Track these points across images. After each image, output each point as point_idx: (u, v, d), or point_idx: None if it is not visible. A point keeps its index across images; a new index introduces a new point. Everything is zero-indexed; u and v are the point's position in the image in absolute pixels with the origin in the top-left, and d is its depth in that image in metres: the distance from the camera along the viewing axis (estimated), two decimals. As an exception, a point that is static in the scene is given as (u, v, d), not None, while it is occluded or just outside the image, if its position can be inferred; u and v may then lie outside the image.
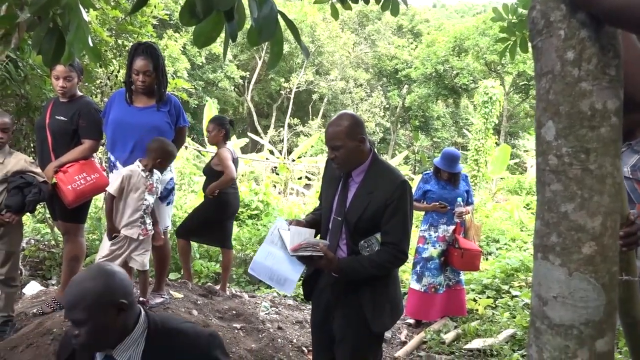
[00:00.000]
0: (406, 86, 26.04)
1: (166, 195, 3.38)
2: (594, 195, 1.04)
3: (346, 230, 2.26)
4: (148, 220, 3.14)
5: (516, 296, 5.00)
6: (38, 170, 3.20)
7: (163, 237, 3.41)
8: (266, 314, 4.19)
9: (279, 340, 3.58)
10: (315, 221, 2.45)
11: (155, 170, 3.15)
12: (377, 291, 2.25)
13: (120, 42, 5.27)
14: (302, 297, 5.15)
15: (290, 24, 1.49)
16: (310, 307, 4.76)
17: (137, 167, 3.07)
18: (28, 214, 3.78)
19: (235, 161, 4.19)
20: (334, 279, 2.28)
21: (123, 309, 1.52)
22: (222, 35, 1.60)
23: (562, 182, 1.06)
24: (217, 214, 4.24)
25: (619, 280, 1.13)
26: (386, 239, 2.19)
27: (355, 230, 2.23)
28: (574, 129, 1.05)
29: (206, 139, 4.11)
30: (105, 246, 3.11)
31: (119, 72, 5.35)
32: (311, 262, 2.21)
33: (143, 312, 1.63)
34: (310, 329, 4.06)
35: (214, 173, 4.18)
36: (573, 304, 1.05)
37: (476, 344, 4.02)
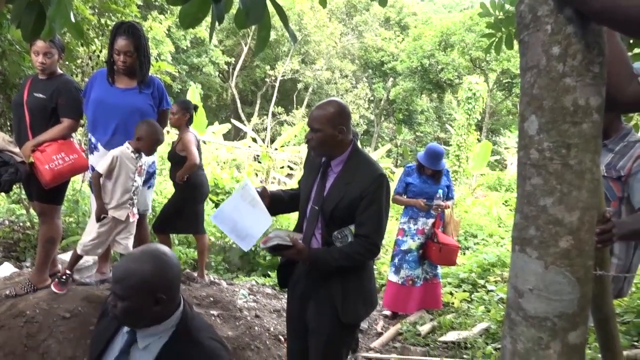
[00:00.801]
0: (391, 79, 26.06)
1: (147, 179, 3.33)
2: (573, 190, 1.06)
3: (322, 219, 2.26)
4: (135, 203, 3.12)
5: (491, 291, 5.08)
6: (16, 149, 3.12)
7: (142, 221, 3.38)
8: (244, 302, 4.18)
9: (256, 328, 3.58)
10: (280, 197, 2.45)
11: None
12: (349, 282, 2.25)
13: (103, 21, 5.16)
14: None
15: (278, 8, 1.48)
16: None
17: (126, 148, 3.03)
18: (3, 194, 3.70)
19: (198, 145, 4.13)
20: (308, 269, 2.29)
21: (160, 303, 1.53)
22: (209, 19, 1.57)
23: (542, 176, 1.08)
24: (189, 199, 4.19)
25: (593, 275, 1.15)
26: (359, 231, 2.19)
27: (330, 220, 2.23)
28: (556, 124, 1.06)
29: (169, 121, 4.01)
30: (93, 229, 3.06)
31: (101, 51, 5.24)
32: (281, 252, 2.21)
33: (181, 309, 1.62)
34: (287, 317, 4.09)
35: (178, 159, 4.09)
36: (548, 296, 1.07)
37: (451, 336, 4.08)
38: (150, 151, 3.10)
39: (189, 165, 3.97)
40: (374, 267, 4.54)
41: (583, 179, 1.06)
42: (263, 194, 2.33)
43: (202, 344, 1.60)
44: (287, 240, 2.14)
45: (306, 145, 2.33)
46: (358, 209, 2.18)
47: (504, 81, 23.30)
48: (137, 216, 3.13)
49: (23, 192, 4.26)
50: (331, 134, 2.19)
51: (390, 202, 2.39)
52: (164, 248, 1.64)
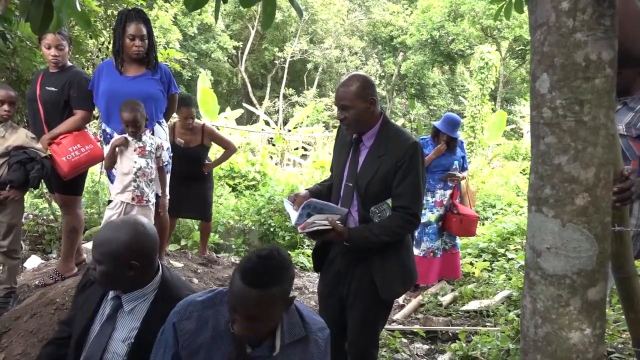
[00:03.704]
0: (401, 53, 25.71)
1: (165, 165, 3.37)
2: (588, 147, 1.05)
3: (357, 195, 2.24)
4: (144, 187, 3.07)
5: (512, 259, 5.07)
6: (39, 146, 3.18)
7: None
8: (266, 281, 4.24)
9: (279, 305, 3.63)
10: (319, 192, 2.43)
11: (148, 134, 3.09)
12: (387, 259, 2.24)
13: (109, 12, 5.17)
14: (301, 264, 5.23)
15: (281, -17, 1.47)
16: (310, 274, 4.83)
17: (122, 132, 3.07)
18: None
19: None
20: (345, 249, 2.27)
21: (133, 268, 1.64)
22: (214, 2, 1.57)
23: (556, 134, 1.06)
24: (211, 186, 4.28)
25: (611, 233, 1.15)
26: (397, 203, 2.16)
27: (366, 195, 2.21)
28: (568, 81, 1.05)
29: (186, 125, 3.98)
30: (105, 217, 3.11)
31: (109, 43, 5.26)
32: (321, 236, 2.20)
33: (160, 273, 1.75)
34: (309, 295, 4.14)
35: (203, 152, 4.12)
36: (566, 254, 1.07)
37: (473, 305, 4.10)
38: (134, 128, 3.00)
39: (233, 152, 4.10)
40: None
41: (598, 135, 1.05)
42: (306, 197, 2.32)
43: (180, 298, 1.70)
44: (326, 224, 2.12)
45: (341, 125, 2.29)
46: (395, 180, 2.15)
47: (517, 49, 22.82)
48: (145, 202, 3.09)
49: (44, 186, 4.35)
50: (364, 107, 2.17)
51: None
52: (143, 219, 1.76)
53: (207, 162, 4.18)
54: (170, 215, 4.13)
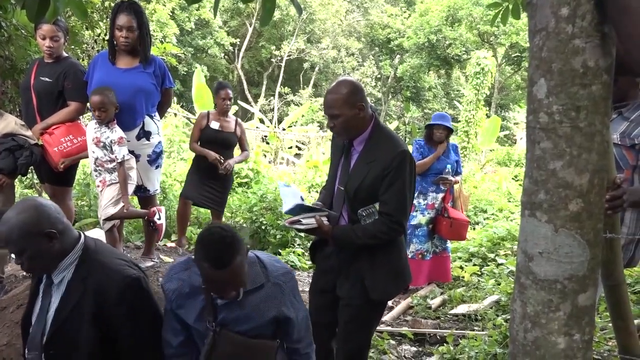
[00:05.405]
0: (398, 56, 25.77)
1: (155, 159, 3.34)
2: (583, 153, 1.05)
3: (347, 199, 2.26)
4: (105, 174, 3.08)
5: (502, 264, 5.09)
6: (29, 132, 3.15)
7: (152, 201, 3.41)
8: (256, 278, 4.23)
9: (269, 303, 3.62)
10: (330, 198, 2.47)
11: (112, 128, 3.03)
12: (377, 259, 2.24)
13: (106, 3, 5.14)
14: (291, 263, 5.22)
15: (282, -21, 1.46)
16: (300, 273, 4.82)
17: (94, 122, 3.07)
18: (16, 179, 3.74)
19: None
20: (339, 247, 2.30)
21: (53, 237, 1.65)
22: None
23: (552, 139, 1.07)
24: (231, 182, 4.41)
25: (602, 240, 1.15)
26: (382, 209, 2.17)
27: (354, 199, 2.22)
28: (565, 87, 1.05)
29: (224, 106, 4.13)
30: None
31: (105, 35, 5.22)
32: (307, 232, 2.24)
33: (82, 240, 1.77)
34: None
35: (232, 142, 4.19)
36: (558, 259, 1.08)
37: (461, 309, 4.11)
38: (101, 112, 2.96)
39: (247, 156, 4.25)
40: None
41: (593, 141, 1.05)
42: (322, 207, 2.34)
43: (106, 264, 1.76)
44: (312, 223, 2.15)
45: (331, 132, 2.32)
46: (381, 187, 2.15)
47: (513, 55, 22.93)
48: (106, 186, 3.08)
49: (35, 176, 4.31)
50: (353, 114, 2.16)
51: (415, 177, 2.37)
52: (31, 197, 1.79)
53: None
54: (185, 198, 4.21)
